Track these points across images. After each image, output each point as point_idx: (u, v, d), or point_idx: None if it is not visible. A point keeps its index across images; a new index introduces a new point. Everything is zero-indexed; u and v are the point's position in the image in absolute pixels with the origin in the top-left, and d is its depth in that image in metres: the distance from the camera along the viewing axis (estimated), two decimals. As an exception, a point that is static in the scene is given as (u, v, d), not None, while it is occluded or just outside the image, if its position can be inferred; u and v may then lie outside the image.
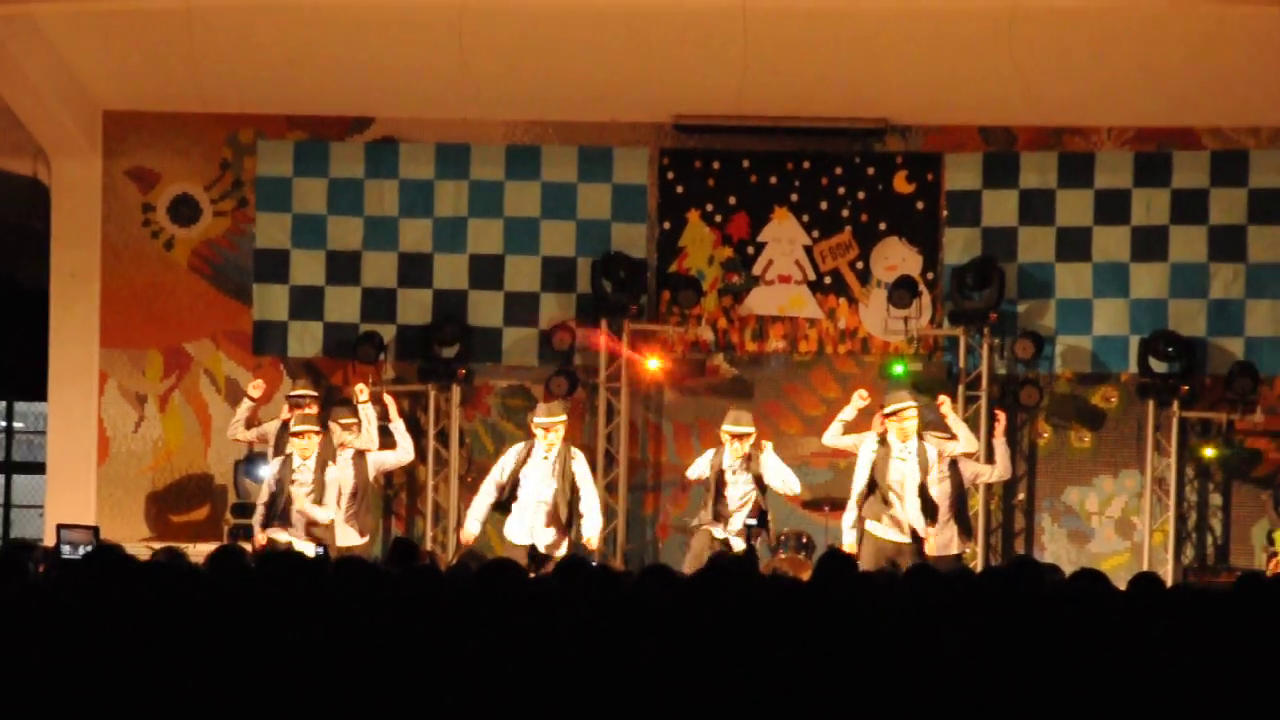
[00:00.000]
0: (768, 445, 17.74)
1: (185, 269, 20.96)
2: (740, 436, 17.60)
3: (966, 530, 18.03)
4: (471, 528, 17.81)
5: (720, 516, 17.58)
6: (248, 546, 17.44)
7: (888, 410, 17.53)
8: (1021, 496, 20.56)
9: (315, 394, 18.80)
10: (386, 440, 18.34)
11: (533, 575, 12.48)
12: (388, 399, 18.60)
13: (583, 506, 17.63)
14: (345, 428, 18.28)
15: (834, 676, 7.18)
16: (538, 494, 17.61)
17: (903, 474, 17.42)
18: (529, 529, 17.56)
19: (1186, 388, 20.06)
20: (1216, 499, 20.46)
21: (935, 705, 7.10)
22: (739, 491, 17.57)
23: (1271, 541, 19.42)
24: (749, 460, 17.58)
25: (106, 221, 20.84)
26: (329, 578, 10.97)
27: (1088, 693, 7.08)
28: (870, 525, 17.46)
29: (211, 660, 7.60)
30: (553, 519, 17.62)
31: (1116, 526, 20.27)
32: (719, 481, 17.63)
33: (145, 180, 20.95)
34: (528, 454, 17.69)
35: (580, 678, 7.41)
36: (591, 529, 17.61)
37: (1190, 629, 8.68)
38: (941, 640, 8.10)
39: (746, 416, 17.93)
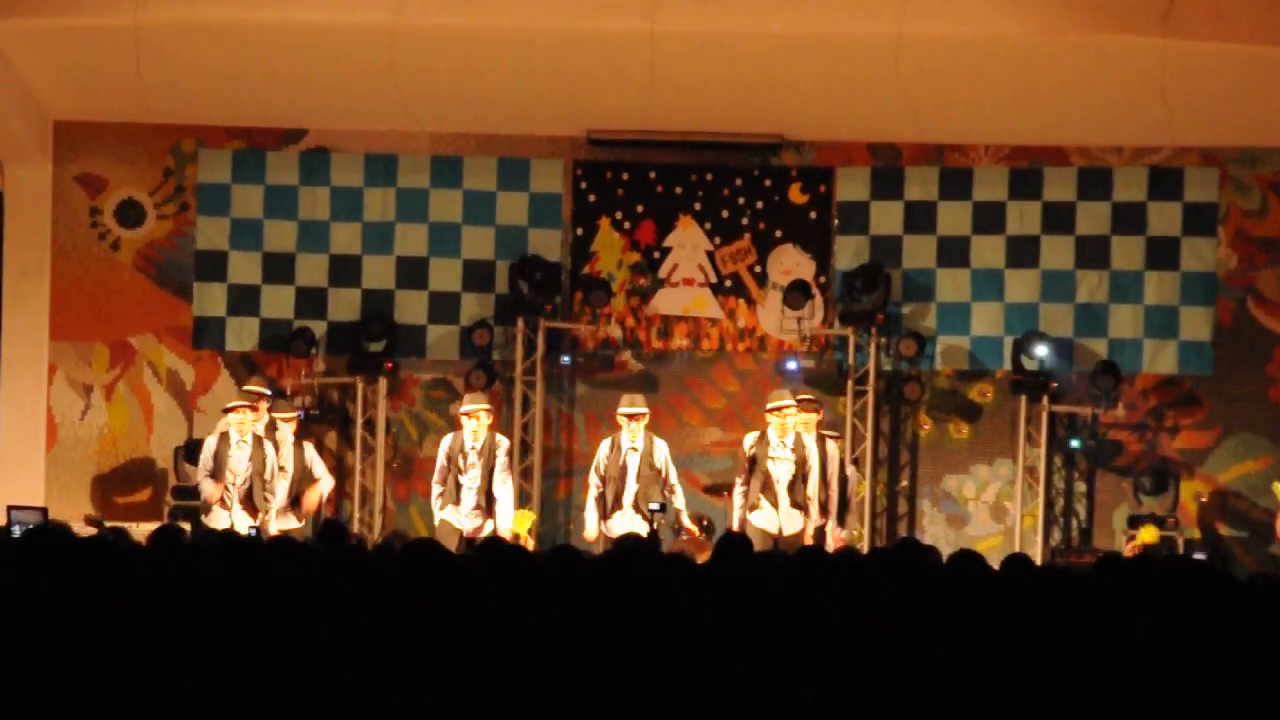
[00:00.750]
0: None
1: (130, 268, 20.85)
2: (634, 417, 17.47)
3: (841, 521, 17.79)
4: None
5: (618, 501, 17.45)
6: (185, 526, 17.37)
7: (770, 406, 17.42)
8: (905, 483, 20.61)
9: (265, 392, 18.67)
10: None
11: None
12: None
13: (498, 493, 17.52)
14: (285, 421, 18.19)
15: (730, 649, 7.09)
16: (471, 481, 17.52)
17: (781, 468, 17.23)
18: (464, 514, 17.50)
19: (1055, 384, 20.10)
20: (1081, 486, 20.56)
21: (824, 676, 6.99)
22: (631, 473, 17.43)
23: (1132, 526, 19.50)
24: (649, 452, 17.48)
25: (56, 224, 20.74)
26: (261, 555, 10.83)
27: (964, 663, 7.03)
28: (751, 515, 17.28)
29: (150, 633, 7.51)
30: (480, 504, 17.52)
31: (991, 511, 20.32)
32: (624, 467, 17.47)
33: (93, 186, 20.83)
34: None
35: (495, 648, 7.34)
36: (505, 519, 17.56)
37: (1056, 605, 8.74)
38: (830, 615, 8.12)
39: (639, 399, 17.86)
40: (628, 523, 17.16)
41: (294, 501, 18.13)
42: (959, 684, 7.13)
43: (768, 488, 17.29)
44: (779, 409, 17.32)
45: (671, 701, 6.69)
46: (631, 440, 17.46)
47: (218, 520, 17.42)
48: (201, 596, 8.27)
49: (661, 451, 17.50)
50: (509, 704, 6.91)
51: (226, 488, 17.51)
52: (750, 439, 17.55)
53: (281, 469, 17.92)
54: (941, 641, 7.72)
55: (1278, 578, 11.49)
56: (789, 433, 17.27)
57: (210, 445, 17.80)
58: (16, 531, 15.50)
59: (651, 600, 8.83)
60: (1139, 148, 20.32)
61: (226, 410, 18.04)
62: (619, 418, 17.54)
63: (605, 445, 17.68)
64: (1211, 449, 20.31)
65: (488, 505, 17.46)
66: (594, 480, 17.61)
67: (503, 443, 17.77)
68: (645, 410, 17.65)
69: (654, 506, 17.31)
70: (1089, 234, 20.45)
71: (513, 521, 17.57)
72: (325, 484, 18.60)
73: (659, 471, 17.38)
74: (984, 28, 17.72)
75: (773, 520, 17.18)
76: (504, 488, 17.55)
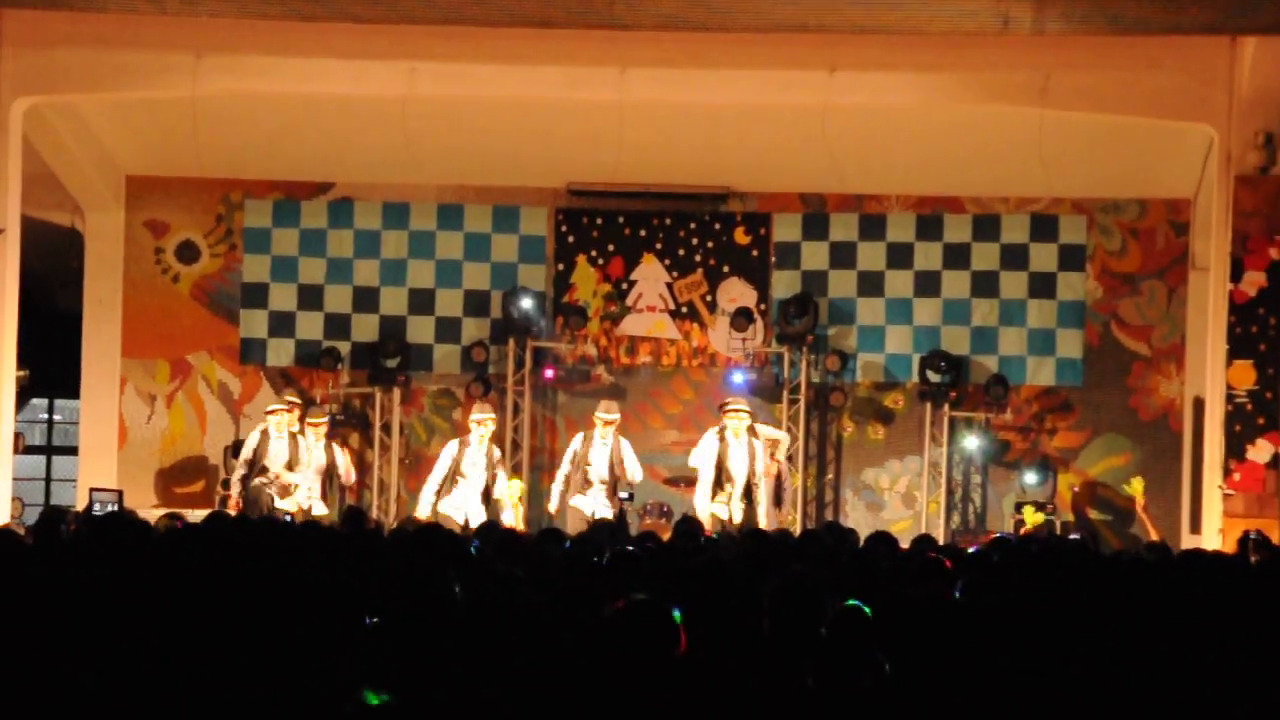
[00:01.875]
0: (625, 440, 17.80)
1: (188, 298, 20.84)
2: (609, 422, 17.59)
3: (778, 504, 17.89)
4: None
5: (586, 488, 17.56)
6: (231, 501, 17.58)
7: (729, 407, 17.48)
8: (830, 476, 20.59)
9: (299, 401, 18.67)
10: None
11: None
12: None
13: (498, 490, 17.65)
14: (314, 425, 18.23)
15: (687, 612, 7.17)
16: (474, 479, 17.57)
17: (736, 463, 17.27)
18: (464, 506, 17.48)
19: (955, 393, 20.16)
20: (976, 478, 20.53)
21: (762, 634, 7.07)
22: (599, 469, 17.51)
23: (1018, 510, 19.56)
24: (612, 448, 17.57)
25: (127, 261, 20.75)
26: (295, 534, 10.96)
27: (878, 623, 7.09)
28: (713, 507, 17.27)
29: (201, 596, 7.49)
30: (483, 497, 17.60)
31: (902, 499, 20.36)
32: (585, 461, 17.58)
33: (157, 229, 20.83)
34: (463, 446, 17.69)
35: (492, 614, 7.31)
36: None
37: (954, 575, 8.89)
38: (767, 583, 8.04)
39: (615, 406, 17.98)
40: (592, 503, 17.29)
41: (323, 494, 18.21)
42: (874, 638, 7.02)
43: (721, 484, 17.30)
44: (735, 411, 17.38)
45: (642, 652, 6.68)
46: (603, 439, 17.63)
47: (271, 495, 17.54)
48: (245, 568, 8.43)
49: (625, 450, 17.62)
50: (502, 654, 6.89)
51: (265, 475, 17.61)
52: (709, 441, 17.43)
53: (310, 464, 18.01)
54: (861, 604, 7.55)
55: (1135, 553, 11.72)
56: (741, 434, 17.28)
57: (253, 439, 17.89)
58: (97, 509, 15.68)
59: (622, 570, 9.03)
60: (1022, 198, 20.38)
61: (268, 412, 18.08)
62: (596, 419, 17.64)
63: (580, 438, 17.76)
64: (1082, 447, 20.39)
65: (486, 499, 17.56)
66: (566, 464, 17.69)
67: (496, 451, 17.86)
68: (618, 416, 17.82)
69: (624, 495, 17.49)
70: (981, 269, 20.48)
71: (507, 488, 17.68)
72: (350, 476, 18.69)
73: (621, 465, 17.51)
74: (895, 99, 17.64)
75: (724, 510, 17.18)
76: (500, 484, 17.69)
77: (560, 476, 17.78)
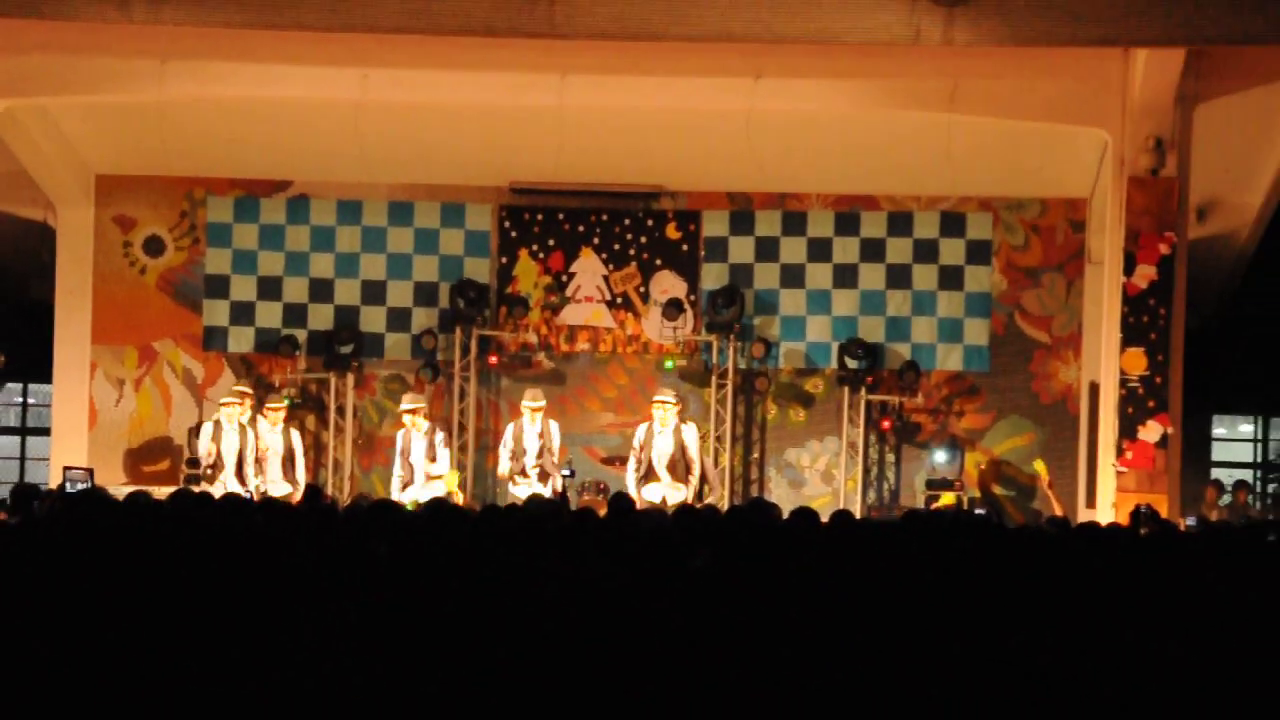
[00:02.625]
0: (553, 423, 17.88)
1: (154, 288, 20.77)
2: (536, 409, 17.66)
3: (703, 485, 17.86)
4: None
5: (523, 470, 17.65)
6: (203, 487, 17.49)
7: (655, 399, 17.66)
8: (756, 455, 20.62)
9: (249, 392, 18.63)
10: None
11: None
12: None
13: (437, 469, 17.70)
14: (273, 410, 18.21)
15: (620, 585, 7.20)
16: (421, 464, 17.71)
17: (661, 448, 17.40)
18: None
19: (871, 378, 20.21)
20: (890, 457, 20.62)
21: (688, 604, 7.10)
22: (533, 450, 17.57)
23: (929, 487, 19.69)
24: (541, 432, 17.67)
25: (97, 254, 20.66)
26: (256, 510, 10.93)
27: (800, 591, 7.14)
28: (643, 489, 17.37)
29: (169, 568, 7.41)
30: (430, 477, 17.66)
31: (822, 476, 20.42)
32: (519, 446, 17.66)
33: (125, 224, 20.75)
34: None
35: (440, 584, 7.23)
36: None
37: (869, 547, 8.98)
38: (696, 555, 8.14)
39: (540, 393, 18.00)
40: (527, 489, 17.26)
41: (285, 474, 18.14)
42: (794, 601, 7.09)
43: (652, 468, 17.43)
44: (661, 402, 17.52)
45: (576, 619, 6.71)
46: (533, 423, 17.65)
47: (215, 490, 17.43)
48: (212, 542, 8.42)
49: (552, 431, 17.69)
50: (450, 621, 6.93)
51: (219, 464, 17.62)
52: (640, 429, 17.64)
53: (265, 449, 17.97)
54: (783, 576, 7.65)
55: (1037, 526, 11.80)
56: (668, 423, 17.40)
57: (207, 430, 17.92)
58: (69, 487, 15.64)
59: (563, 544, 9.05)
60: (932, 197, 20.44)
61: (222, 404, 18.07)
62: (524, 407, 17.72)
63: (512, 427, 17.81)
64: (988, 428, 20.47)
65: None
66: (504, 452, 17.77)
67: (439, 434, 17.91)
68: (544, 402, 17.84)
69: (565, 473, 17.52)
70: (895, 263, 20.53)
71: (445, 481, 17.70)
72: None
73: (549, 445, 17.56)
74: (815, 105, 17.72)
75: (658, 492, 17.25)
76: (440, 464, 17.74)
77: (504, 467, 17.81)
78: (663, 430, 17.39)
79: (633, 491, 17.08)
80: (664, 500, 16.95)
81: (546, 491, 17.08)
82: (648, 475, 17.45)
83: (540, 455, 17.60)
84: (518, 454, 17.63)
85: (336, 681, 5.74)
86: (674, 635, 6.27)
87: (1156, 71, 16.45)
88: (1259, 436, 26.12)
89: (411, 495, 17.19)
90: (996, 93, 17.18)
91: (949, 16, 15.76)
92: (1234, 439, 26.39)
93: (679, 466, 17.39)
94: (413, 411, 17.78)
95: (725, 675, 5.91)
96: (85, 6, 16.04)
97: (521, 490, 17.32)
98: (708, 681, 5.79)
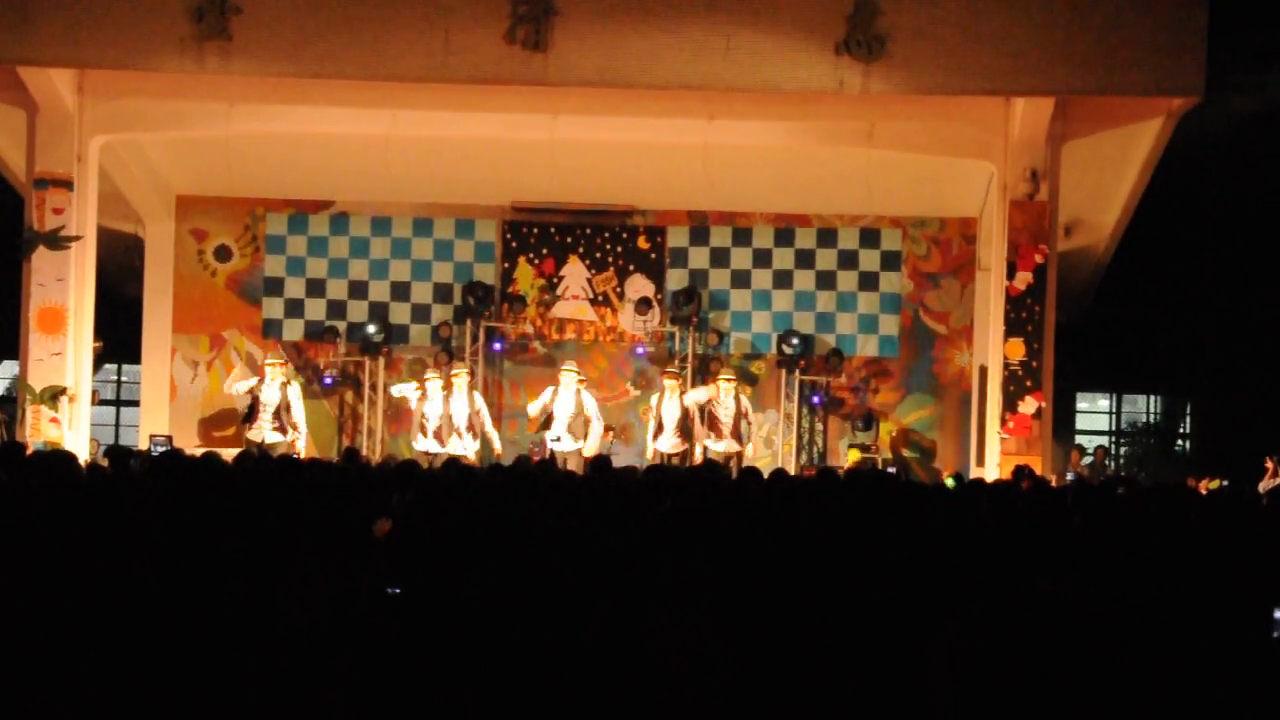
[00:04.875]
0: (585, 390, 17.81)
1: (223, 288, 20.77)
2: (567, 371, 17.64)
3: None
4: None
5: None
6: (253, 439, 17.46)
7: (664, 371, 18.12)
8: (709, 424, 20.60)
9: (284, 359, 18.64)
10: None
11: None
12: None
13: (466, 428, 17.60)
14: (270, 367, 17.96)
15: (608, 528, 7.22)
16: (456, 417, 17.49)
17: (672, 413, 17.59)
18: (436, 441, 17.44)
19: (804, 362, 20.26)
20: (819, 426, 20.63)
21: (658, 545, 7.12)
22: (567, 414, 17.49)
23: (850, 449, 19.75)
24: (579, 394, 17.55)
25: (177, 260, 20.67)
26: (303, 466, 10.96)
27: (746, 534, 7.16)
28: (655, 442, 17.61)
29: (233, 507, 7.52)
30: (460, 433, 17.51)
31: (764, 442, 20.36)
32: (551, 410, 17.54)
33: (200, 236, 20.76)
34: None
35: (457, 527, 7.12)
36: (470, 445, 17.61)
37: (799, 496, 9.09)
38: (663, 501, 8.29)
39: (573, 364, 18.02)
40: (557, 434, 17.29)
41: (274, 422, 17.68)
42: (742, 533, 7.17)
43: (660, 424, 17.57)
44: (672, 374, 17.82)
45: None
46: (566, 388, 17.51)
47: (260, 434, 17.45)
48: (265, 492, 8.49)
49: (588, 399, 17.61)
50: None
51: (261, 413, 17.48)
52: (654, 398, 17.83)
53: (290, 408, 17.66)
54: (733, 516, 7.73)
55: (938, 482, 11.92)
56: (676, 391, 17.57)
57: (248, 384, 17.88)
58: (154, 450, 15.70)
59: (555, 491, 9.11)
60: (853, 215, 20.48)
61: (265, 365, 18.02)
62: (562, 373, 17.65)
63: (549, 391, 17.64)
64: (898, 403, 20.55)
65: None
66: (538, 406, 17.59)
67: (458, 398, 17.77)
68: (577, 370, 17.82)
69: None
70: (824, 269, 20.57)
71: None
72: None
73: (583, 410, 17.46)
74: (758, 141, 17.71)
75: (664, 443, 17.48)
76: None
77: (537, 409, 17.62)
78: (565, 392, 17.41)
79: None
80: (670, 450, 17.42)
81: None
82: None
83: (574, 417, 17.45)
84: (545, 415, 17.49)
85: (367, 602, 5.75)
86: (645, 558, 6.36)
87: (1032, 115, 16.55)
88: (1113, 409, 26.32)
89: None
90: (905, 132, 17.20)
91: (866, 70, 15.87)
92: (1093, 411, 26.58)
93: (577, 423, 17.39)
94: (455, 374, 17.61)
95: (687, 584, 5.97)
96: (169, 59, 16.10)
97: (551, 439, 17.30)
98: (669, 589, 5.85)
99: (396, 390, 18.20)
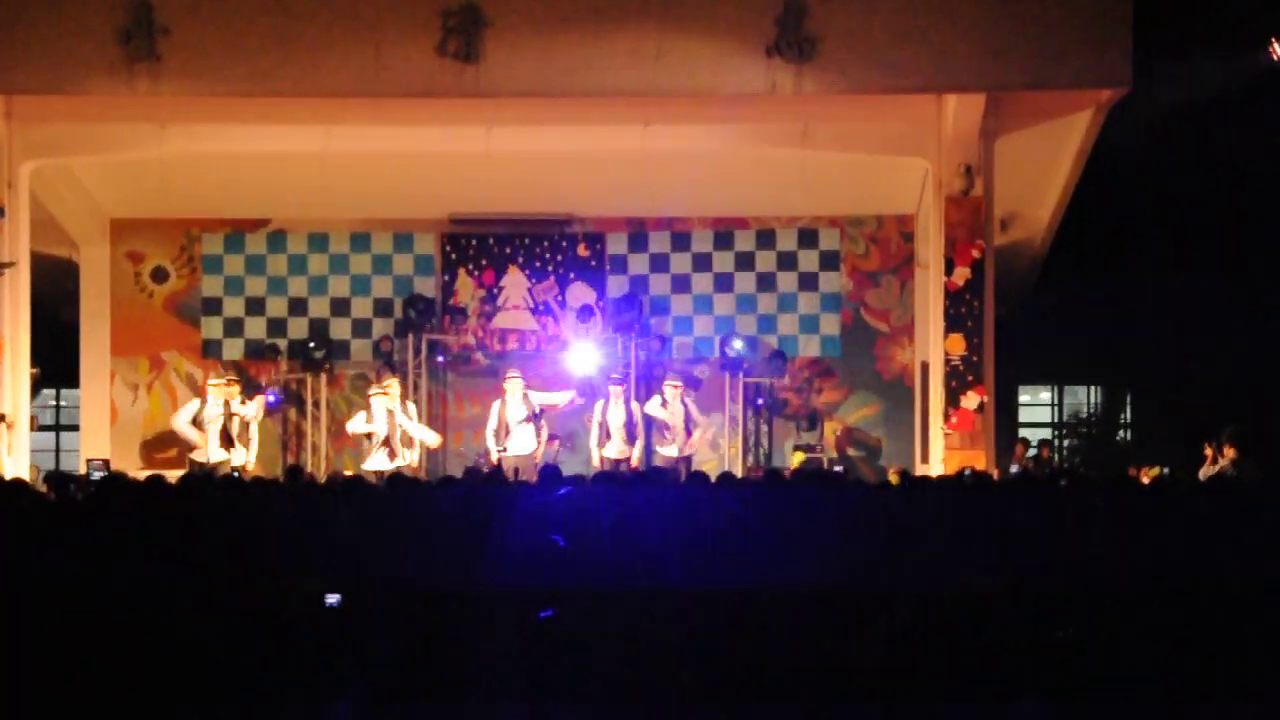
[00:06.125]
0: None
1: (161, 309, 20.64)
2: (510, 379, 17.70)
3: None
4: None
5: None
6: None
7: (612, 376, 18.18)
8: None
9: (236, 378, 18.51)
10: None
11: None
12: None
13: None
14: (214, 387, 17.73)
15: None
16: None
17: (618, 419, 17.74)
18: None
19: (747, 364, 20.21)
20: (765, 428, 20.61)
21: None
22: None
23: (795, 450, 19.77)
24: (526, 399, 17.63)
25: (114, 282, 20.53)
26: (247, 486, 10.92)
27: (695, 525, 7.22)
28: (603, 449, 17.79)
29: (177, 525, 7.60)
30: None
31: (711, 445, 20.30)
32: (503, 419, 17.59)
33: (135, 258, 20.62)
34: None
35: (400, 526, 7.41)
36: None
37: (745, 495, 9.11)
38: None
39: (517, 371, 17.98)
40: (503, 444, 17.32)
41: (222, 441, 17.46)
42: (690, 531, 7.39)
43: (607, 431, 17.76)
44: (615, 380, 17.98)
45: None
46: (512, 395, 17.54)
47: (204, 455, 17.25)
48: (210, 508, 8.46)
49: (536, 397, 17.68)
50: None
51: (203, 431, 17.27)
52: (598, 405, 18.00)
53: (247, 426, 17.51)
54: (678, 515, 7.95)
55: (883, 479, 11.98)
56: (618, 397, 17.78)
57: (194, 405, 17.64)
58: (92, 474, 15.59)
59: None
60: (791, 216, 20.51)
61: (211, 385, 17.78)
62: (507, 383, 17.65)
63: (497, 404, 17.62)
64: (842, 402, 20.55)
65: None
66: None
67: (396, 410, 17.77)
68: (519, 376, 17.84)
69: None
70: (764, 271, 20.56)
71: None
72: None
73: (533, 407, 17.54)
74: (694, 145, 17.71)
75: (611, 449, 17.67)
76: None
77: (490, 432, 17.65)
78: (513, 400, 17.48)
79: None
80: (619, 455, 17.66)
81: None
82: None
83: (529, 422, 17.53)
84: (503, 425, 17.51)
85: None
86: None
87: (964, 112, 16.65)
88: (1054, 402, 26.52)
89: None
90: (838, 132, 17.26)
91: (798, 72, 15.94)
92: (1035, 404, 26.77)
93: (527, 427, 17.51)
94: (383, 391, 17.57)
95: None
96: (98, 82, 16.02)
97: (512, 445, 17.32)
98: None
99: (351, 428, 18.00)
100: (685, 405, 18.02)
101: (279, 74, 15.99)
